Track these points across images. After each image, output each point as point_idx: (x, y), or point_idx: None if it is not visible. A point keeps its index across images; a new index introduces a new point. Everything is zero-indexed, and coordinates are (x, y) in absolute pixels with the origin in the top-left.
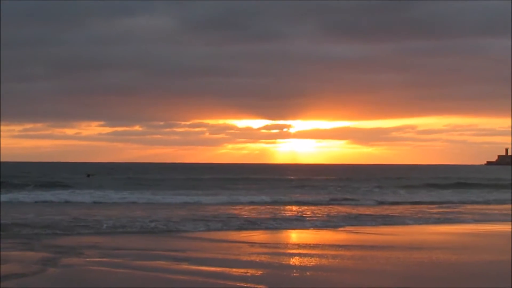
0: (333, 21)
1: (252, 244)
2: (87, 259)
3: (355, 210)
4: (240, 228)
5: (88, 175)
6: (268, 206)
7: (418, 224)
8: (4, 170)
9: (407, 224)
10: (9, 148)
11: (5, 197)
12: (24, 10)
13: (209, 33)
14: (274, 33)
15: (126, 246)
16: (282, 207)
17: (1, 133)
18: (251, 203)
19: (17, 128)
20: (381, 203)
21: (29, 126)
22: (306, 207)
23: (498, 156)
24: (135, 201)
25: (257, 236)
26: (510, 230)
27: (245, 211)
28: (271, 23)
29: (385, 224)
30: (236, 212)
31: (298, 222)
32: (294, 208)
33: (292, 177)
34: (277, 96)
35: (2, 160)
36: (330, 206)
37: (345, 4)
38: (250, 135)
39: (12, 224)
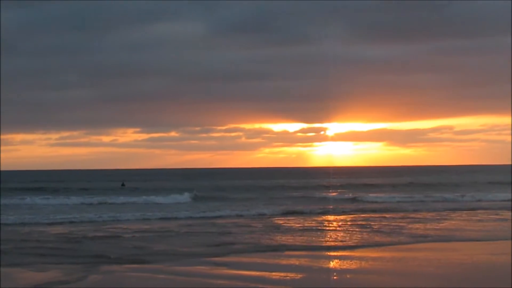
0: (366, 22)
1: (291, 247)
2: (128, 266)
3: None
4: (279, 231)
5: (123, 184)
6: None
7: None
8: (43, 177)
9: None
10: (46, 157)
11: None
12: (58, 18)
13: (240, 37)
14: (306, 35)
15: (167, 251)
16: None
17: (39, 141)
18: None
19: (54, 136)
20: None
21: (66, 134)
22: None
23: None
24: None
25: (297, 239)
26: None
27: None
28: (303, 25)
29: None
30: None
31: (343, 225)
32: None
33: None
34: (313, 99)
35: (40, 169)
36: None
37: (378, 4)
38: (287, 138)
39: (51, 234)
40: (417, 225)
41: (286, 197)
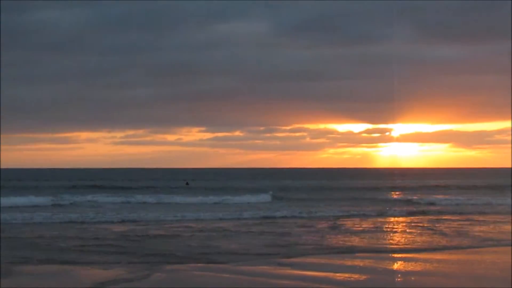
0: (433, 22)
1: (356, 249)
2: (192, 265)
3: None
4: (343, 232)
5: (187, 183)
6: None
7: None
8: (107, 175)
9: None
10: (111, 155)
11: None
12: (124, 17)
13: (304, 36)
14: (370, 35)
15: (230, 250)
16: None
17: (103, 140)
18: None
19: (118, 134)
20: None
21: (130, 132)
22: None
23: None
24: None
25: (362, 241)
26: None
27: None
28: (366, 25)
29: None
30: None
31: (409, 227)
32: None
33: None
34: (378, 99)
35: (104, 167)
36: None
37: (446, 4)
38: (351, 139)
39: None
40: (482, 228)
41: (350, 198)
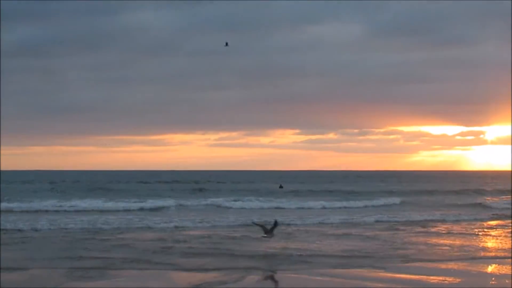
0: None
1: (452, 249)
2: (287, 266)
3: None
4: (437, 236)
5: (281, 186)
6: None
7: None
8: (203, 177)
9: None
10: (205, 158)
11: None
12: (217, 19)
13: (395, 39)
14: (462, 37)
15: (327, 252)
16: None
17: (197, 142)
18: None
19: (212, 137)
20: None
21: (224, 135)
22: None
23: None
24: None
25: (457, 241)
26: None
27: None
28: (458, 27)
29: None
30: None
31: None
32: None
33: None
34: (471, 101)
35: (199, 169)
36: None
37: None
38: (445, 142)
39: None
40: None
41: (445, 203)
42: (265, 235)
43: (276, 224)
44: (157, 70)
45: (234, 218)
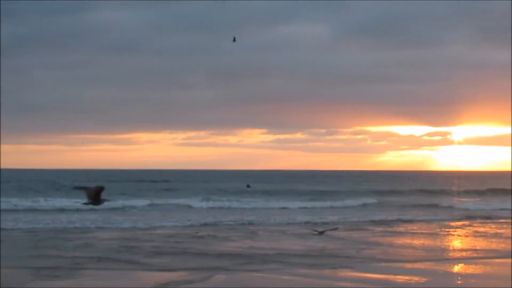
0: (495, 25)
1: (418, 249)
2: (254, 266)
3: None
4: (401, 235)
5: (248, 186)
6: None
7: None
8: (170, 177)
9: None
10: (173, 157)
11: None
12: (186, 18)
13: (364, 40)
14: (430, 38)
15: (293, 252)
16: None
17: (165, 141)
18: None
19: (180, 136)
20: None
21: (192, 134)
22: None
23: None
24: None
25: (423, 242)
26: None
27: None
28: (426, 28)
29: None
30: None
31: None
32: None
33: None
34: (438, 102)
35: (167, 168)
36: None
37: (505, 5)
38: (413, 142)
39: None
40: None
41: (411, 203)
42: (87, 202)
43: (102, 188)
44: (124, 69)
45: (201, 217)
